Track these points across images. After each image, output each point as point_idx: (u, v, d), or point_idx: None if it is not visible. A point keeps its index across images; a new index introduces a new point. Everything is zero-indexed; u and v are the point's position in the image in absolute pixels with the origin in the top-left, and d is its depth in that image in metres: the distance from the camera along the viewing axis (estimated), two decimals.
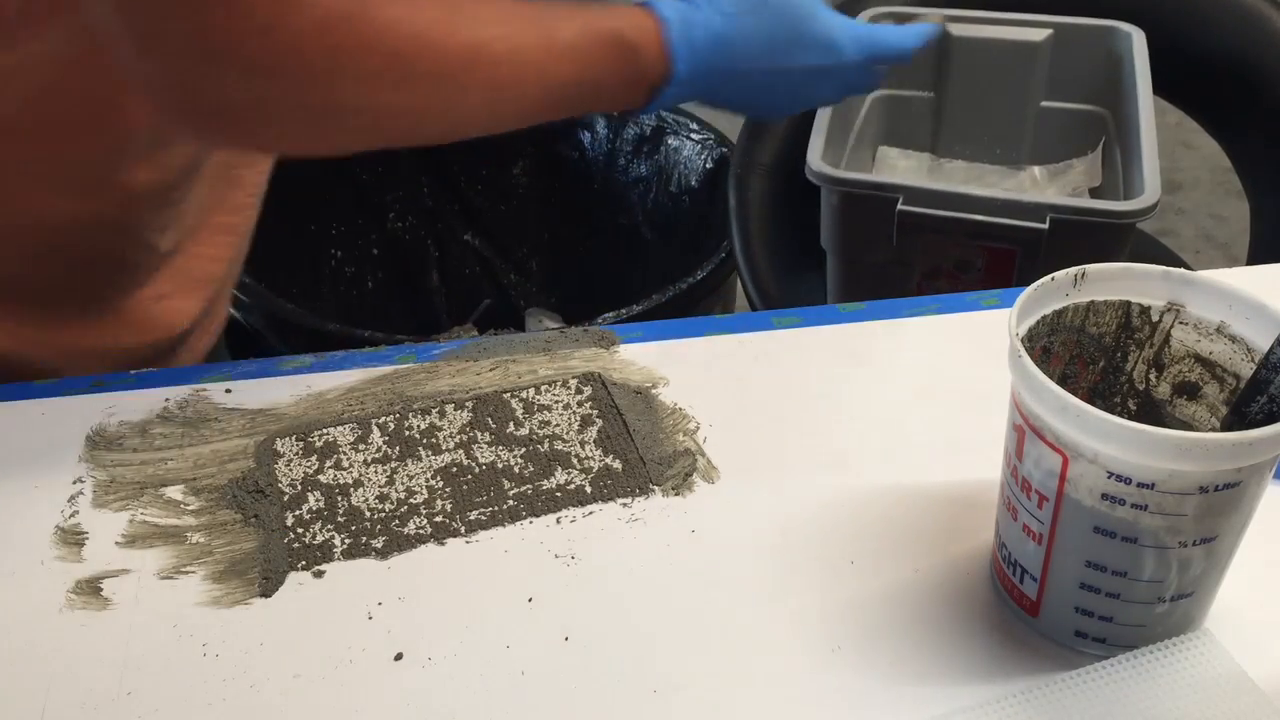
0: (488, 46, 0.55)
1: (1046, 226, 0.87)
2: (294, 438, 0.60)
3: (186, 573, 0.53)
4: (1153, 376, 0.51)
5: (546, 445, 0.60)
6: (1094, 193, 1.08)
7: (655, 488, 0.57)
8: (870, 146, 1.14)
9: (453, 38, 0.53)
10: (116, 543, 0.54)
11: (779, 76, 0.64)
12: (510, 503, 0.56)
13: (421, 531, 0.55)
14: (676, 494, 0.57)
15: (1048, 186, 1.10)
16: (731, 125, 1.34)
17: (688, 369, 0.64)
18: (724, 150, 1.50)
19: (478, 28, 0.54)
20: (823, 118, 0.97)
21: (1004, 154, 1.13)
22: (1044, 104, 1.11)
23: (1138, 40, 1.04)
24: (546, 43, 0.57)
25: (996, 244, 0.92)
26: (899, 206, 0.90)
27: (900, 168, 1.14)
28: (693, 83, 0.62)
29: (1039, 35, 1.07)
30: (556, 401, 0.62)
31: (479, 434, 0.60)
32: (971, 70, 1.09)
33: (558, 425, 0.61)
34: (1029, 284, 0.48)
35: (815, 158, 0.93)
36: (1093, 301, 0.50)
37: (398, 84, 0.53)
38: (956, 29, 1.08)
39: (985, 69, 1.09)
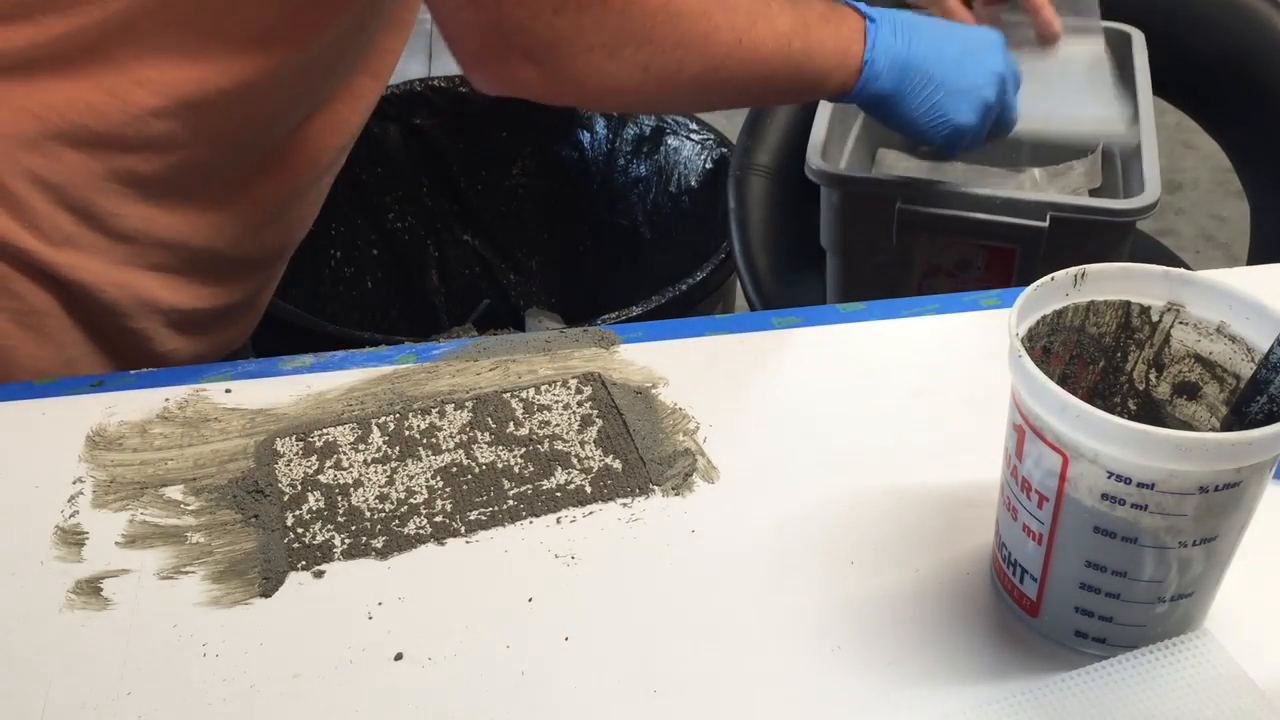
0: None
1: (1046, 225, 0.87)
2: (294, 438, 0.60)
3: (186, 573, 0.53)
4: (1153, 376, 0.51)
5: (546, 445, 0.60)
6: (1094, 194, 1.08)
7: (655, 488, 0.57)
8: (868, 149, 1.14)
9: None
10: (116, 543, 0.54)
11: (960, 58, 0.76)
12: (510, 503, 0.56)
13: (421, 531, 0.55)
14: (676, 494, 0.57)
15: (1047, 188, 1.10)
16: (731, 125, 1.34)
17: (688, 369, 0.64)
18: (724, 150, 1.50)
19: None
20: (821, 118, 0.97)
21: (1003, 156, 1.13)
22: None
23: (1137, 41, 1.04)
24: None
25: (997, 243, 0.92)
26: (899, 205, 0.90)
27: (899, 169, 1.14)
28: (888, 43, 0.74)
29: None
30: (556, 401, 0.62)
31: (479, 434, 0.60)
32: None
33: (558, 425, 0.61)
34: (1029, 283, 0.48)
35: (815, 156, 0.93)
36: (1093, 301, 0.50)
37: (671, 19, 0.64)
38: None
39: None
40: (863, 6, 0.75)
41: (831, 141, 0.98)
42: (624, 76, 0.65)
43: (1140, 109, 0.95)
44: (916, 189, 0.90)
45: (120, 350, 0.73)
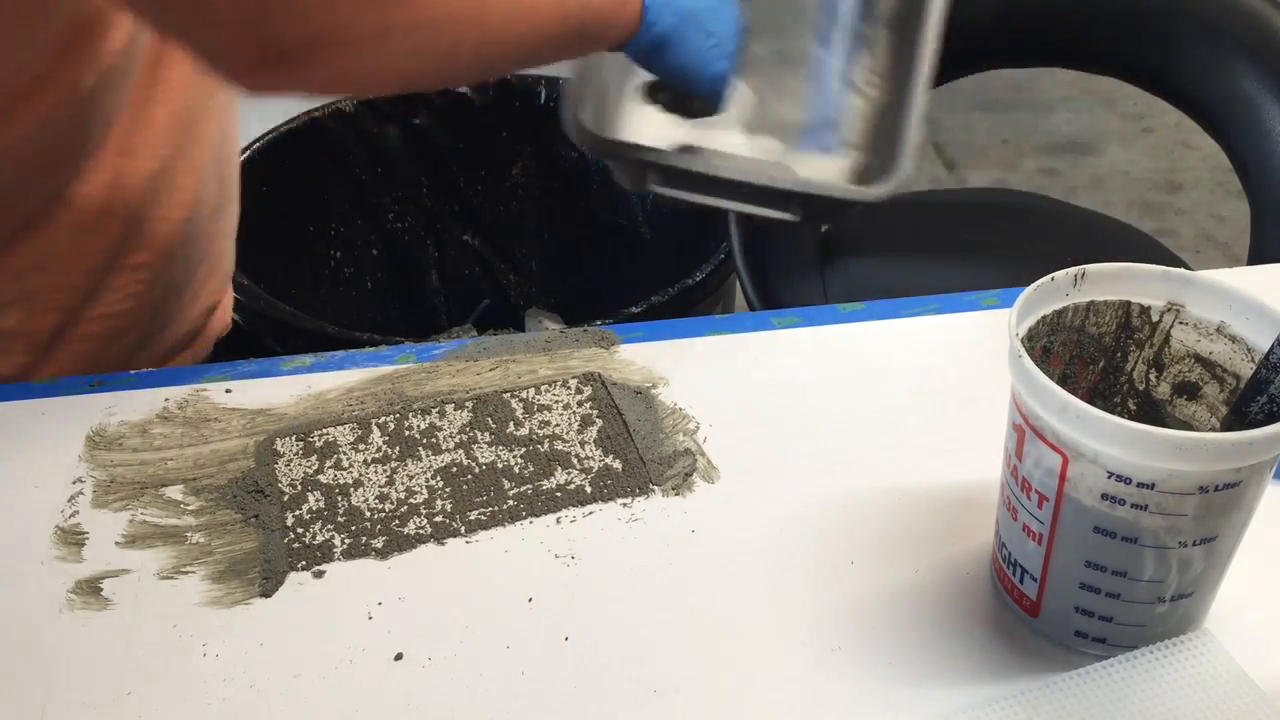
0: None
1: (798, 217, 0.79)
2: (294, 438, 0.60)
3: (186, 573, 0.53)
4: (1153, 376, 0.51)
5: (546, 445, 0.60)
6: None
7: (655, 488, 0.57)
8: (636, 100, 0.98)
9: None
10: (116, 543, 0.54)
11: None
12: (510, 503, 0.56)
13: (421, 531, 0.55)
14: (676, 494, 0.57)
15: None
16: None
17: (688, 369, 0.65)
18: None
19: None
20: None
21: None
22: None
23: None
24: None
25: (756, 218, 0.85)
26: (656, 189, 0.82)
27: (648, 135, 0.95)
28: None
29: None
30: (556, 401, 0.62)
31: (479, 434, 0.60)
32: None
33: (558, 425, 0.61)
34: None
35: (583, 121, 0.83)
36: (1093, 301, 0.50)
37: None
38: None
39: None
40: None
41: (594, 97, 0.85)
42: (397, 64, 0.62)
43: (916, 71, 0.83)
44: (667, 170, 0.80)
45: None
